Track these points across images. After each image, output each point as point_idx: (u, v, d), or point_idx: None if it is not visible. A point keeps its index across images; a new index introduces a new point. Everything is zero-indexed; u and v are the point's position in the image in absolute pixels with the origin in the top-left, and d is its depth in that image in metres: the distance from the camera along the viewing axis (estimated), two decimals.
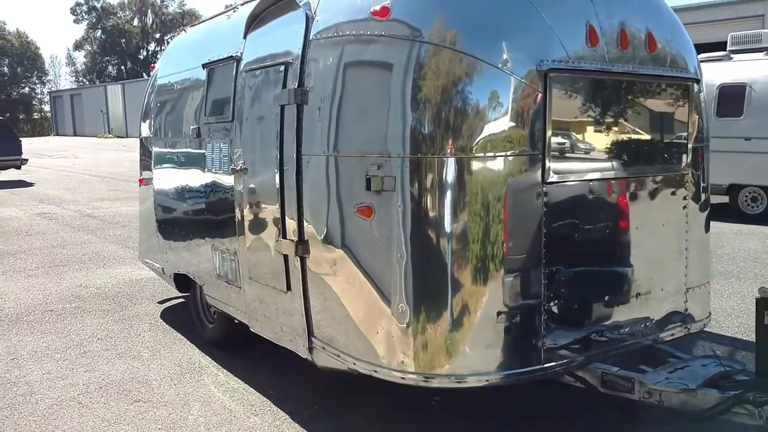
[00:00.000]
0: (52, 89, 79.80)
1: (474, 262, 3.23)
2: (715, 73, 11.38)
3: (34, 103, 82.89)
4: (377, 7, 3.36)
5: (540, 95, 3.23)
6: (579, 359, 3.47)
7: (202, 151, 4.90)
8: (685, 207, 3.92)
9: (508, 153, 3.24)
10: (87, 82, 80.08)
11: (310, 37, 3.71)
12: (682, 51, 3.85)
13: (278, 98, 3.85)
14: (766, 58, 11.11)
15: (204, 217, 5.02)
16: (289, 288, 3.92)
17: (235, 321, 4.84)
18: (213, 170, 4.76)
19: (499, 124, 3.24)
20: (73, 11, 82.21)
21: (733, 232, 10.19)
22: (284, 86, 3.82)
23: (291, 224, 3.81)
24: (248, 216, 4.30)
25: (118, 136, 54.24)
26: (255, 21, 4.29)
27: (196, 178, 5.06)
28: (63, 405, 4.38)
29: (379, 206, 3.31)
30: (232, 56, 4.50)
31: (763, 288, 3.06)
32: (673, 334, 3.92)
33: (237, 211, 4.40)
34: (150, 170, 6.05)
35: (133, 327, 6.00)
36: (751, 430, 3.10)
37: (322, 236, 3.63)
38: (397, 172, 3.25)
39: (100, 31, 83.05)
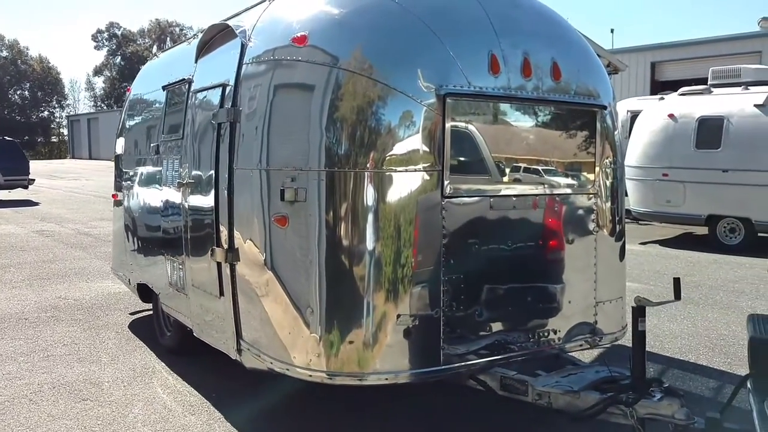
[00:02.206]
0: (71, 113, 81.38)
1: (380, 269, 3.50)
2: (695, 107, 11.67)
3: (52, 126, 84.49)
4: (297, 35, 3.69)
5: (440, 117, 3.53)
6: (480, 363, 3.71)
7: (160, 167, 5.23)
8: (592, 226, 4.16)
9: (411, 168, 3.53)
10: (105, 107, 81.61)
11: (244, 62, 4.04)
12: (590, 79, 4.13)
13: (215, 117, 4.18)
14: (743, 93, 11.36)
15: (160, 229, 5.33)
16: (222, 293, 4.20)
17: (188, 328, 5.11)
18: (167, 185, 5.09)
19: (405, 143, 3.54)
20: (94, 38, 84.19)
21: (709, 261, 10.35)
22: (221, 106, 4.15)
23: (223, 233, 4.11)
24: (191, 226, 4.60)
25: None
26: (204, 47, 4.65)
27: (154, 192, 5.39)
28: (14, 402, 4.66)
29: (292, 216, 3.61)
30: (185, 79, 4.86)
31: (638, 297, 3.30)
32: (581, 345, 4.15)
33: (183, 222, 4.71)
34: (121, 185, 6.41)
35: (99, 335, 6.29)
36: (627, 430, 3.32)
37: (248, 244, 3.92)
38: (310, 183, 3.54)
39: (119, 57, 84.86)
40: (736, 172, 10.97)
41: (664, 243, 12.12)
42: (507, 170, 3.89)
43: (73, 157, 69.86)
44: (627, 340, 4.59)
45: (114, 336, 6.26)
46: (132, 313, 7.08)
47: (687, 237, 12.75)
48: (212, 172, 4.20)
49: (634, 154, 12.11)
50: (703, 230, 12.04)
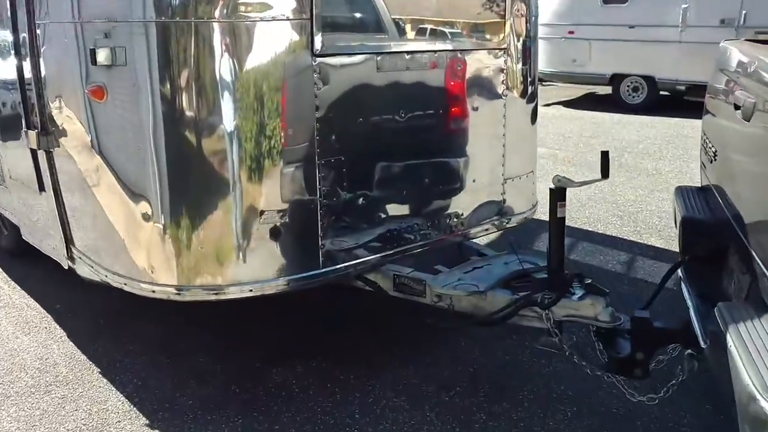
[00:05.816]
0: None
1: (237, 151, 2.69)
2: None
3: None
4: None
5: None
6: (369, 261, 3.06)
7: None
8: (501, 89, 3.46)
9: (269, 17, 2.65)
10: None
11: None
12: None
13: None
14: None
15: None
16: (42, 188, 3.30)
17: None
18: None
19: None
20: None
21: (613, 122, 10.08)
22: None
23: (35, 111, 3.14)
24: (1, 104, 3.58)
25: None
26: None
27: None
28: None
29: (111, 86, 2.69)
30: None
31: (557, 176, 2.67)
32: (487, 229, 3.57)
33: None
34: None
35: None
36: (545, 335, 2.80)
37: (66, 126, 2.99)
38: (135, 40, 2.61)
39: None
40: (642, 28, 10.53)
41: (567, 104, 11.78)
42: (398, 22, 3.06)
43: None
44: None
45: None
46: None
47: (590, 97, 12.45)
48: (10, 28, 3.16)
49: (544, 11, 11.39)
50: (605, 90, 11.74)
